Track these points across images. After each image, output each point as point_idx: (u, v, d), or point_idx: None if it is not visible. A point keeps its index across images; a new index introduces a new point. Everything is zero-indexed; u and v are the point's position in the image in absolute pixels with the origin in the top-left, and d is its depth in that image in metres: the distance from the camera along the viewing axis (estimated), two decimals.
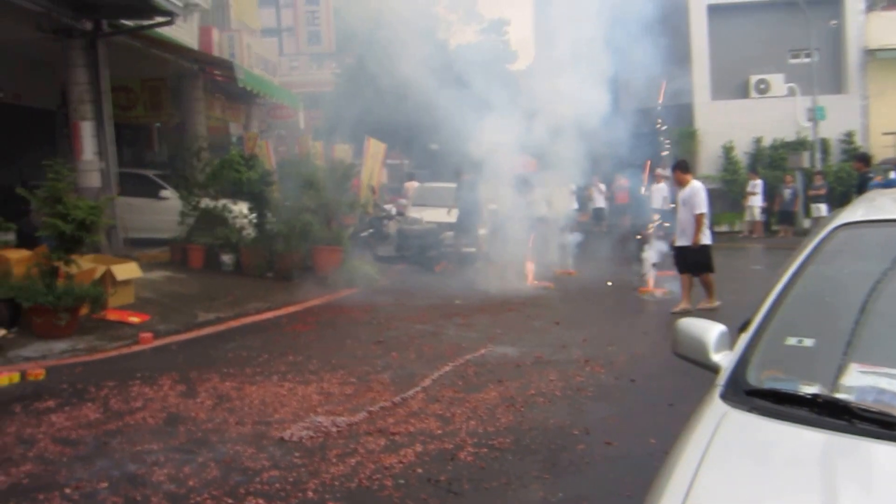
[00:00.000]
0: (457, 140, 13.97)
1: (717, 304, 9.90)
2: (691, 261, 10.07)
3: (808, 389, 2.37)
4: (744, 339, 2.70)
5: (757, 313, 2.78)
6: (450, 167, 16.16)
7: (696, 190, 10.05)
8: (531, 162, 16.17)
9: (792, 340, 2.66)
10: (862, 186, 12.73)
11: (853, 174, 19.22)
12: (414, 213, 16.72)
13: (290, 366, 7.33)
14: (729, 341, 2.83)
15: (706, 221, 10.04)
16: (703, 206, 9.93)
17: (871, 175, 13.02)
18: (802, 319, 2.78)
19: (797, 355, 2.64)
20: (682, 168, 10.47)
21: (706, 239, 10.04)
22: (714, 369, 2.73)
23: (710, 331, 2.83)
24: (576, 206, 21.07)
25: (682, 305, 10.02)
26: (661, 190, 17.27)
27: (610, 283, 12.25)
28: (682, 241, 10.17)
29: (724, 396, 2.48)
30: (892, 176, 13.94)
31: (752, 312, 2.84)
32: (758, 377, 2.53)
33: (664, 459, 2.34)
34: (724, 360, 2.72)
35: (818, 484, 2.01)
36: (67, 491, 4.36)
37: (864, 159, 13.40)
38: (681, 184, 10.35)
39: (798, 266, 2.91)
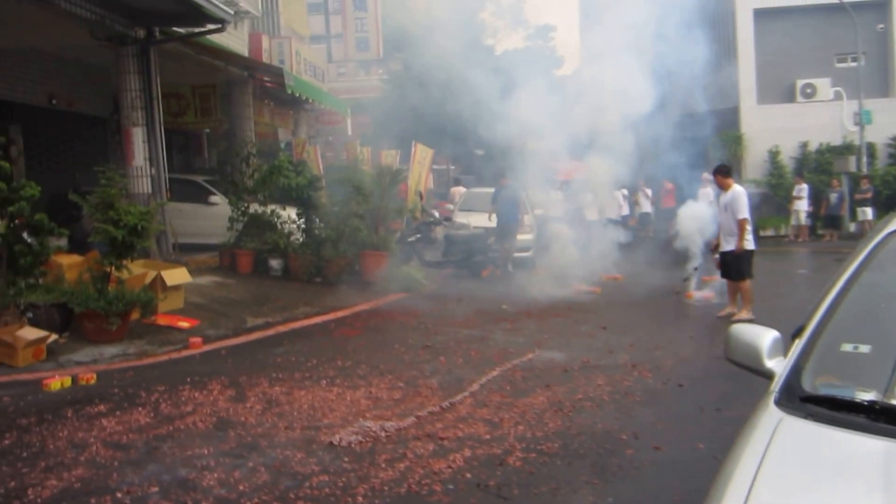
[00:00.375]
0: (501, 144, 13.99)
1: (750, 316, 9.57)
2: (732, 266, 9.96)
3: (865, 396, 2.34)
4: (798, 345, 2.67)
5: (811, 319, 2.74)
6: (494, 172, 16.18)
7: (738, 194, 9.93)
8: (581, 165, 16.08)
9: (847, 346, 2.62)
10: None
11: None
12: (461, 218, 16.73)
13: (339, 370, 7.39)
14: (782, 347, 2.80)
15: (749, 226, 9.91)
16: (745, 211, 9.82)
17: None
18: (857, 325, 2.73)
19: (853, 361, 2.59)
20: (724, 172, 10.34)
21: (749, 244, 9.89)
22: (768, 375, 2.70)
23: (764, 337, 2.80)
24: (627, 211, 20.84)
25: (728, 310, 9.98)
26: (707, 195, 17.04)
27: (673, 290, 11.96)
28: (726, 247, 10.05)
29: (779, 403, 2.46)
30: None
31: (805, 318, 2.80)
32: (813, 383, 2.50)
33: (719, 466, 2.32)
34: (778, 366, 2.69)
35: (879, 492, 1.98)
36: (119, 495, 4.44)
37: None
38: (722, 188, 10.25)
39: (852, 272, 2.86)
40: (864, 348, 2.59)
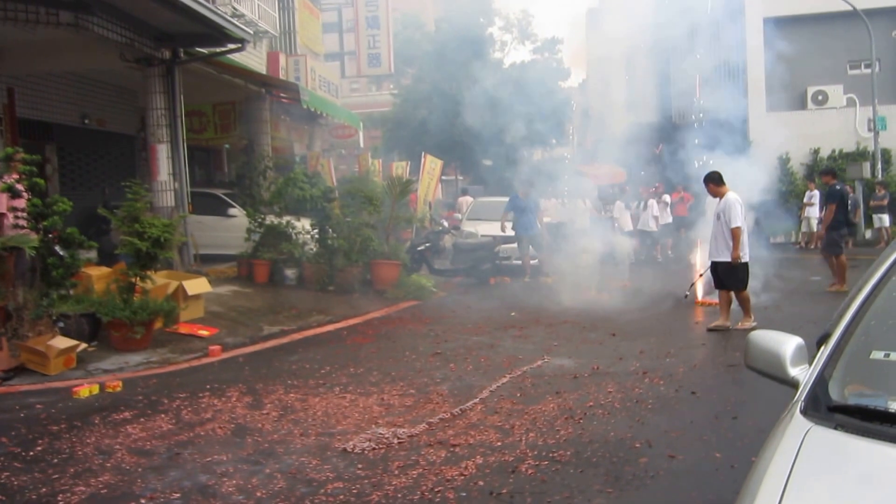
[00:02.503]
0: (511, 156, 13.90)
1: (754, 322, 9.02)
2: (728, 277, 9.16)
3: None
4: (824, 352, 2.48)
5: (836, 326, 2.55)
6: (505, 182, 16.07)
7: (731, 202, 9.10)
8: (613, 170, 15.79)
9: (878, 354, 2.43)
10: (829, 199, 12.27)
11: None
12: (468, 226, 16.62)
13: (352, 377, 7.24)
14: (806, 355, 2.61)
15: (744, 236, 9.14)
16: (739, 220, 9.01)
17: (838, 187, 12.48)
18: (887, 332, 2.53)
19: (884, 369, 2.41)
20: (716, 180, 9.38)
21: (745, 256, 9.12)
22: (792, 384, 2.52)
23: (787, 344, 2.61)
24: (668, 220, 19.49)
25: (720, 322, 9.27)
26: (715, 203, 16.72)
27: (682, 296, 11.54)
28: (717, 257, 9.24)
29: (806, 412, 2.28)
30: None
31: (830, 325, 2.62)
32: (841, 392, 2.32)
33: (746, 477, 2.14)
34: (802, 374, 2.51)
35: None
36: (143, 501, 4.32)
37: (832, 172, 12.88)
38: (715, 196, 9.46)
39: (879, 277, 2.67)
40: None
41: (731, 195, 9.26)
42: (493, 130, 13.56)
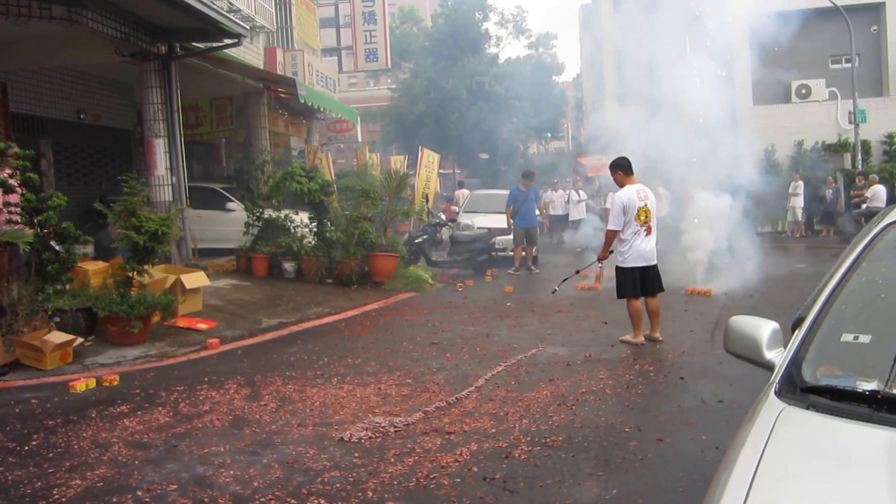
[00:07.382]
0: (507, 150, 13.93)
1: (638, 339, 7.93)
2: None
3: (867, 386, 2.22)
4: (798, 335, 2.56)
5: (810, 310, 2.63)
6: (501, 175, 16.13)
7: (614, 201, 7.98)
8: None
9: (847, 337, 2.50)
10: None
11: None
12: (465, 219, 16.68)
13: (349, 368, 7.29)
14: (782, 339, 2.69)
15: (623, 239, 7.89)
16: (613, 221, 7.90)
17: None
18: (857, 316, 2.61)
19: (854, 351, 2.47)
20: (625, 168, 8.05)
21: (619, 261, 8.00)
22: (768, 367, 2.59)
23: (763, 328, 2.69)
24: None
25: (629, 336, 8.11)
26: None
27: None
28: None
29: (780, 393, 2.35)
30: None
31: (804, 309, 2.69)
32: (813, 374, 2.38)
33: (722, 458, 2.21)
34: (778, 357, 2.58)
35: (882, 482, 1.86)
36: (139, 493, 4.35)
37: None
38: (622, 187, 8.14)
39: (850, 263, 2.75)
40: (865, 338, 2.47)
41: (621, 192, 8.01)
42: (489, 124, 13.59)
